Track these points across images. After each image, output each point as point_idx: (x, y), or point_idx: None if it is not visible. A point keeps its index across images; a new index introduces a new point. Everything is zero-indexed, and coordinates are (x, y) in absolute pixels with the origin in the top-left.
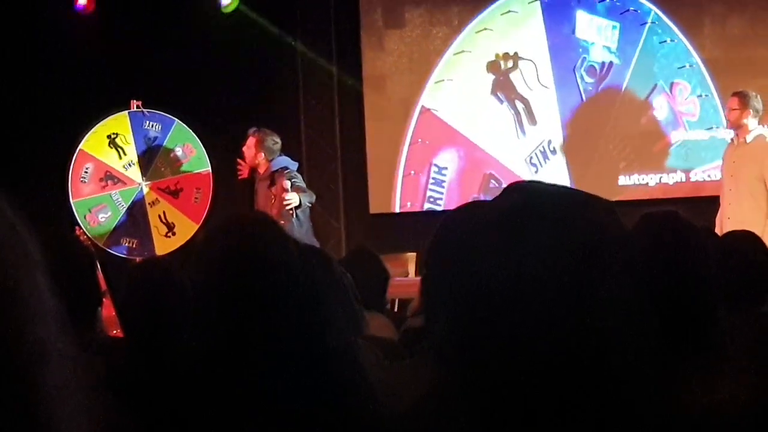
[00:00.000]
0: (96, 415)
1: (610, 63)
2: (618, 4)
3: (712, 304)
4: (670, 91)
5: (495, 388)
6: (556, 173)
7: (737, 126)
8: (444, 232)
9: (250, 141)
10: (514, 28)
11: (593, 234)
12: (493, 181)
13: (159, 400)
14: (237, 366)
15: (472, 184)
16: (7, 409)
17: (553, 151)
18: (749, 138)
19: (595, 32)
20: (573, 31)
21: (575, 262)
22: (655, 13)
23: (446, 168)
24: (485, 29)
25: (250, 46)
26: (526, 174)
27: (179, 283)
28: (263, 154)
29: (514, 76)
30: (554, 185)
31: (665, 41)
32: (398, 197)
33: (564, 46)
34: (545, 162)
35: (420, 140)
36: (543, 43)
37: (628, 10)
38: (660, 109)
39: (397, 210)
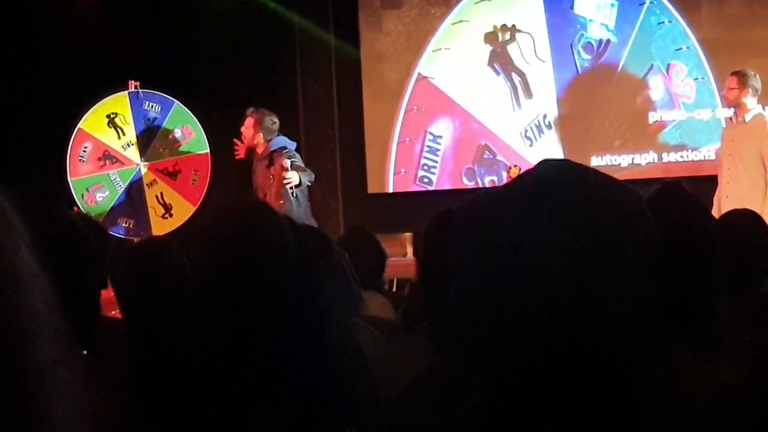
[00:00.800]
0: (88, 389)
1: (608, 41)
2: None
3: (714, 289)
4: (667, 72)
5: (496, 375)
6: (551, 148)
7: (736, 105)
8: (454, 219)
9: (249, 121)
10: (512, 1)
11: (603, 218)
12: (487, 153)
13: (156, 380)
14: (236, 355)
15: (466, 154)
16: (0, 382)
17: (548, 126)
18: (748, 117)
19: (594, 9)
20: (571, 7)
21: (580, 246)
22: None
23: (441, 137)
24: (484, 0)
25: (248, 27)
26: (521, 147)
27: (178, 262)
28: (262, 134)
29: (511, 49)
30: (573, 166)
31: (663, 22)
32: (392, 164)
33: (562, 21)
34: (540, 136)
35: (416, 108)
36: (541, 16)
37: None
38: (656, 89)
39: (391, 177)
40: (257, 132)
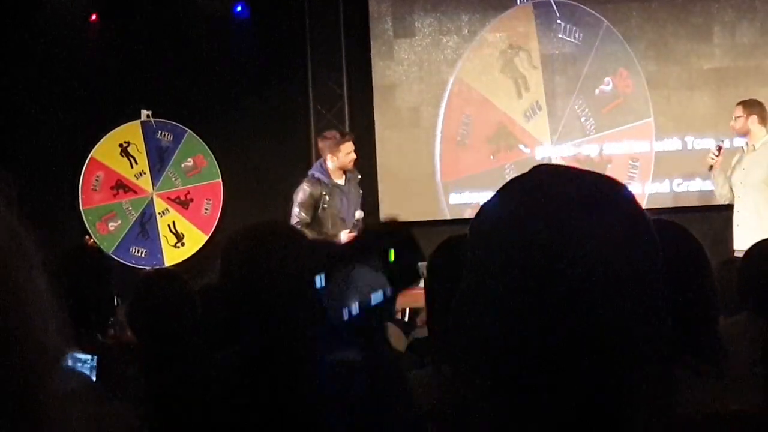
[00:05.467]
0: (99, 420)
1: (578, 54)
2: (584, 18)
3: (713, 317)
4: (615, 73)
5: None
6: (541, 123)
7: (744, 132)
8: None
9: (352, 146)
10: (517, 28)
11: (605, 218)
12: (501, 127)
13: (169, 404)
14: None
15: (488, 126)
16: (10, 416)
17: (540, 108)
18: (758, 144)
19: (569, 33)
20: (554, 31)
21: (584, 247)
22: (607, 26)
23: (470, 115)
24: (497, 31)
25: (261, 57)
26: (523, 122)
27: (187, 290)
28: None
29: (516, 60)
30: (565, 169)
31: (616, 43)
32: (439, 132)
33: (548, 42)
34: (534, 116)
35: (455, 99)
36: (535, 39)
37: (587, 21)
38: (608, 84)
39: (438, 143)
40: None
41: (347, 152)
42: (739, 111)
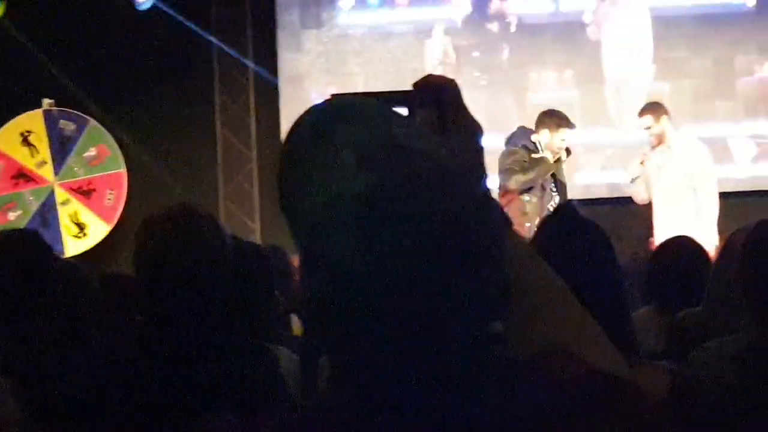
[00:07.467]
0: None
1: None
2: None
3: (625, 304)
4: None
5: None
6: None
7: (664, 138)
8: None
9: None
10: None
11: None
12: None
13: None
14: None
15: None
16: None
17: None
18: (671, 142)
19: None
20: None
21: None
22: None
23: None
24: None
25: (165, 46)
26: None
27: (87, 280)
28: None
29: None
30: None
31: None
32: None
33: None
34: None
35: None
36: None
37: None
38: None
39: None
40: None
41: (561, 138)
42: (648, 119)
